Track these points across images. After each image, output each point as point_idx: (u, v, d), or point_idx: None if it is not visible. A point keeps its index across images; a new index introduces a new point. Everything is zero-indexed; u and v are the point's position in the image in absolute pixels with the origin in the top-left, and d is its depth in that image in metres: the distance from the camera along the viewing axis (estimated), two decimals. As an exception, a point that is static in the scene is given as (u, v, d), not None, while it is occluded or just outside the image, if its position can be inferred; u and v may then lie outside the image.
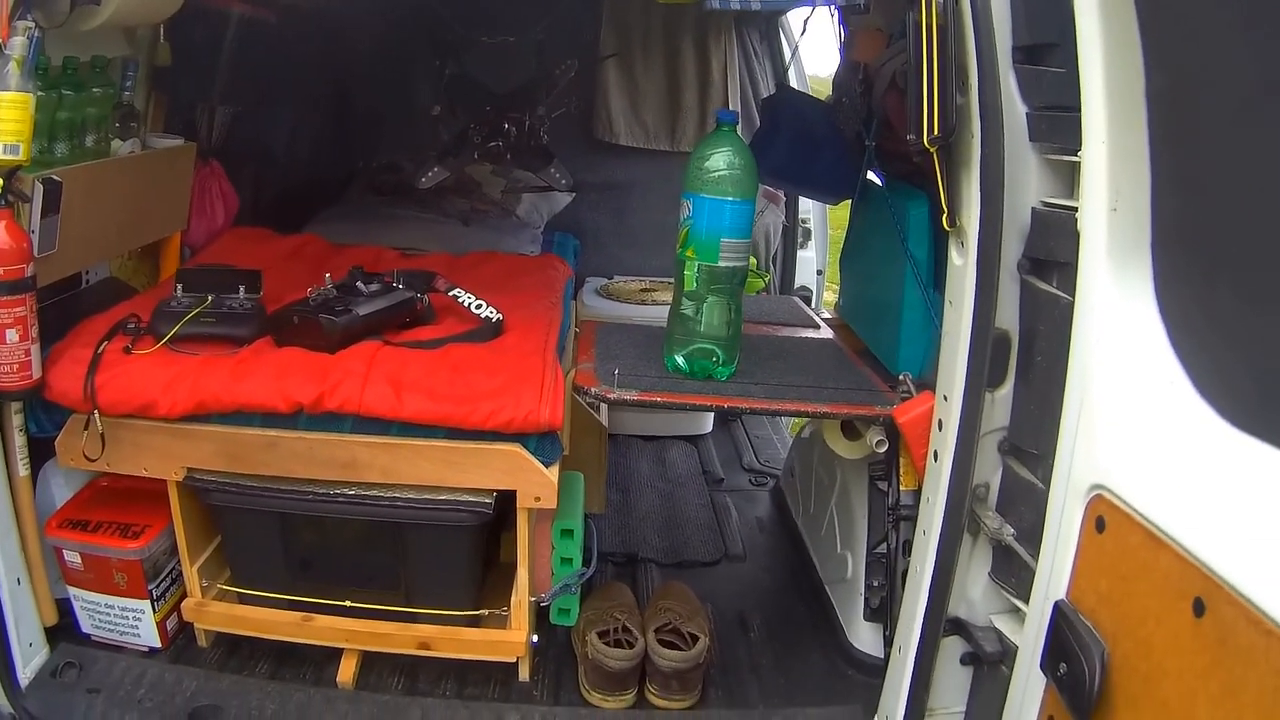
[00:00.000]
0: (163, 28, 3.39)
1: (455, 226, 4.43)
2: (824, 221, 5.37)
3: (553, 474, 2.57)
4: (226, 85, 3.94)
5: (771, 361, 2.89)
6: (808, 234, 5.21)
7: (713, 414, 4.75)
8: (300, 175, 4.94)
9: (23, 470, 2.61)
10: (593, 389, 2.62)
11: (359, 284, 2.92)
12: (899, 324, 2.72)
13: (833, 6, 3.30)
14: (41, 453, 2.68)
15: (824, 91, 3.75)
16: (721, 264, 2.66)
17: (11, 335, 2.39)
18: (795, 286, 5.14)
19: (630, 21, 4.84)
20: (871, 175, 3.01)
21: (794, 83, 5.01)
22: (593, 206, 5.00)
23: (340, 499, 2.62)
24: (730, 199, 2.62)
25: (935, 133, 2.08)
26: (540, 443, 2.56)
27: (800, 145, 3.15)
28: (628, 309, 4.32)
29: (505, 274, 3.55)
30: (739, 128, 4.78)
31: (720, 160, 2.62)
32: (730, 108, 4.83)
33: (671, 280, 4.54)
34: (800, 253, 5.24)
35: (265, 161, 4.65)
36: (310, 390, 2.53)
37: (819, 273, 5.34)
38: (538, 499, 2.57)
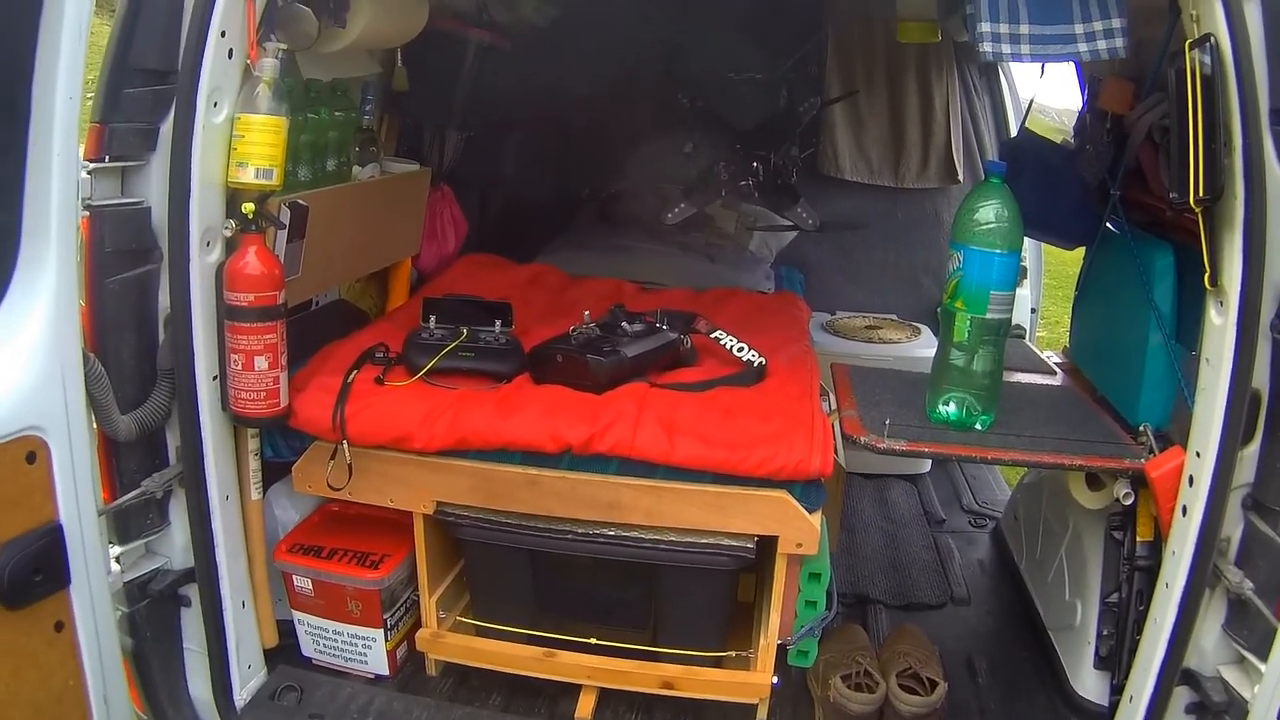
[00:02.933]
0: (399, 52, 3.45)
1: (691, 260, 4.45)
2: (1039, 260, 5.30)
3: (816, 520, 2.56)
4: (459, 110, 3.99)
5: (1021, 410, 2.88)
6: (1023, 272, 5.13)
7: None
8: (526, 202, 4.99)
9: (255, 494, 2.66)
10: (862, 438, 2.63)
11: (623, 324, 2.94)
12: (1141, 374, 2.71)
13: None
14: (268, 475, 2.73)
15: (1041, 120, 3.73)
16: (990, 316, 2.66)
17: (261, 362, 2.42)
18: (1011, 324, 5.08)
19: (854, 58, 4.83)
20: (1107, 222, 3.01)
21: (1014, 119, 4.97)
22: (815, 241, 4.96)
23: (601, 539, 2.63)
24: (999, 251, 2.63)
25: (1202, 194, 2.09)
26: (806, 490, 2.55)
27: (1042, 189, 3.12)
28: (855, 346, 4.36)
29: (750, 312, 3.56)
30: (962, 166, 4.78)
31: (989, 212, 2.63)
32: (952, 144, 4.81)
33: (894, 317, 4.64)
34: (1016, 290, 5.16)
35: (493, 187, 4.74)
36: (581, 431, 2.54)
37: (1033, 310, 5.28)
38: (799, 545, 2.57)
